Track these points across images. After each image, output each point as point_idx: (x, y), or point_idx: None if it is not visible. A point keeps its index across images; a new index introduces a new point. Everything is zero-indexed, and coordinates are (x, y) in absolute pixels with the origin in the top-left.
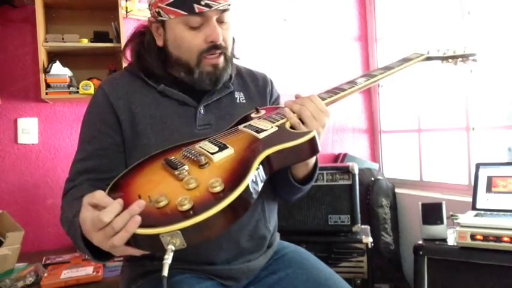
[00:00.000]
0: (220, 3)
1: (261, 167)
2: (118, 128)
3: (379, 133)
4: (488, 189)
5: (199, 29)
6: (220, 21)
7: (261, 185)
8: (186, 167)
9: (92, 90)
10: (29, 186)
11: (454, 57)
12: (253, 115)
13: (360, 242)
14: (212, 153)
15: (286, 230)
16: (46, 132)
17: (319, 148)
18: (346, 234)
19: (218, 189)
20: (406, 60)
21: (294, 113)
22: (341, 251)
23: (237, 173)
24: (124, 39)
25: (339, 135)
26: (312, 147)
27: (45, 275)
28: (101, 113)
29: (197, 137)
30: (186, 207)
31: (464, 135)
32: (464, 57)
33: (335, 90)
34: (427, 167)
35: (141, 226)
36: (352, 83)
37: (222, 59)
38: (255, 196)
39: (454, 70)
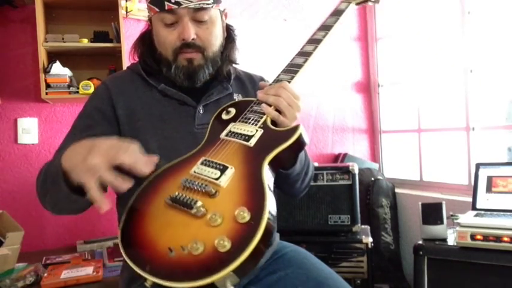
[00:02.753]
0: (192, 2)
1: (266, 171)
2: (114, 121)
3: (379, 133)
4: (488, 189)
5: (173, 27)
6: (197, 20)
7: (272, 187)
8: (200, 202)
9: (91, 90)
10: (29, 186)
11: None
12: (224, 116)
13: (360, 242)
14: (216, 179)
15: (286, 230)
16: (46, 132)
17: (308, 140)
18: (346, 234)
19: (247, 218)
20: (338, 13)
21: (270, 106)
22: (341, 251)
23: (254, 193)
24: (124, 39)
25: (339, 135)
26: (302, 140)
27: (45, 275)
28: (100, 105)
29: (196, 136)
30: (228, 247)
31: (464, 135)
32: None
33: (293, 69)
34: (427, 167)
35: (190, 279)
36: (304, 54)
37: (199, 56)
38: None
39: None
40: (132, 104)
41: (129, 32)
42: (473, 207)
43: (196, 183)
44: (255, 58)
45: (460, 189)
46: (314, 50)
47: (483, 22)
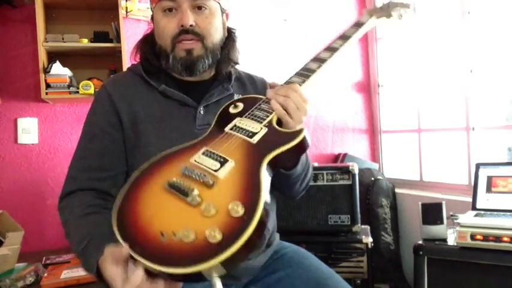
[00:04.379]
0: None
1: (265, 170)
2: (120, 126)
3: (379, 133)
4: (488, 189)
5: (173, 15)
6: (196, 9)
7: (269, 187)
8: (196, 191)
9: (91, 90)
10: (29, 186)
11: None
12: (231, 110)
13: (360, 242)
14: (215, 171)
15: (286, 230)
16: (46, 132)
17: (309, 143)
18: (346, 234)
19: (241, 213)
20: (359, 24)
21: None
22: (341, 251)
23: (250, 189)
24: (124, 39)
25: (339, 135)
26: (304, 144)
27: (45, 275)
28: (104, 112)
29: (197, 136)
30: (218, 238)
31: (464, 135)
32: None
33: (306, 73)
34: (427, 167)
35: (178, 265)
36: (319, 60)
37: (198, 46)
38: (270, 201)
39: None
40: (134, 107)
41: (129, 32)
42: (473, 207)
43: (196, 172)
44: (255, 58)
45: (460, 189)
46: (330, 57)
47: (483, 22)
